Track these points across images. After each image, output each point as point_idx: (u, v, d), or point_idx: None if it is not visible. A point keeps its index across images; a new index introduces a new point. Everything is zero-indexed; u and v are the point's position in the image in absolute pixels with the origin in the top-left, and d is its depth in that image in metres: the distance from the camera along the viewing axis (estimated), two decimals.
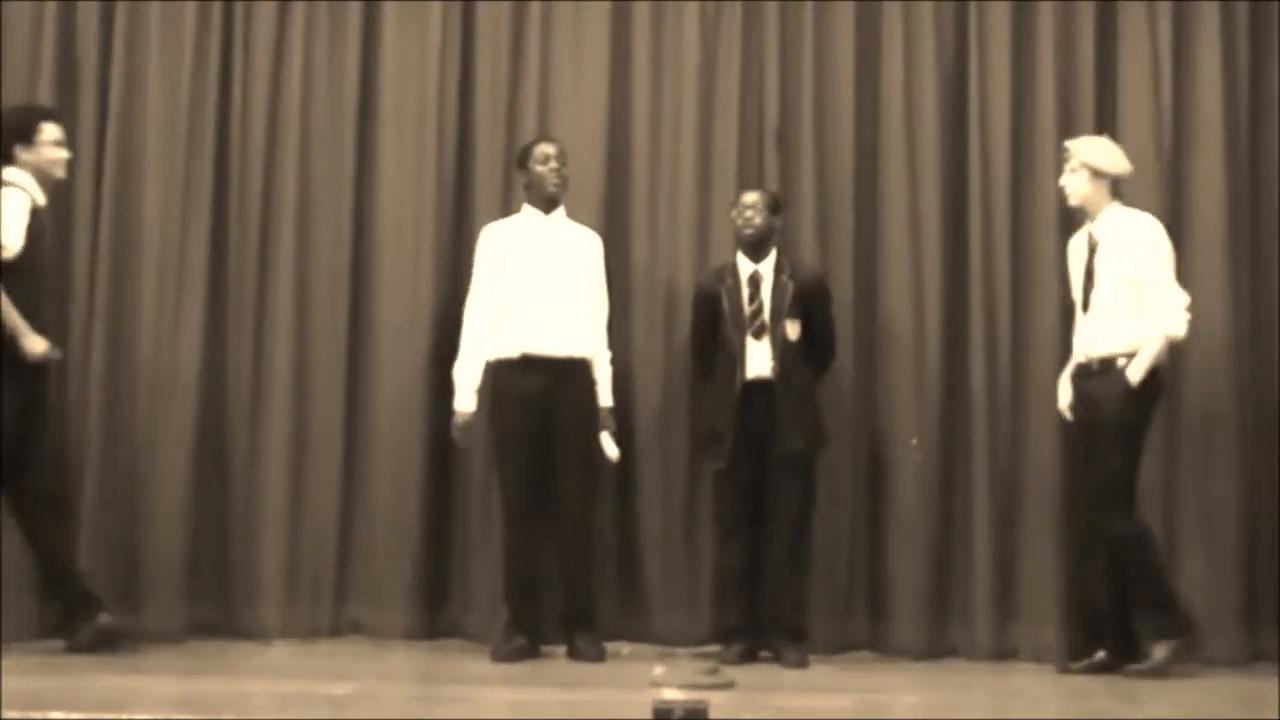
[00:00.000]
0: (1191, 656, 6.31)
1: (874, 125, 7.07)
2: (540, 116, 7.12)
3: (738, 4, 7.14)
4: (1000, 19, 7.01)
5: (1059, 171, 6.87)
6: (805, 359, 6.56)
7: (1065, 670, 6.37)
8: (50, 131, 6.41)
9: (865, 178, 7.04)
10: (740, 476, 6.52)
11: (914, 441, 6.79)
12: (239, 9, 7.16)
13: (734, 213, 6.63)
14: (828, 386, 6.75)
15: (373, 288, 7.07)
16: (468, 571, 6.93)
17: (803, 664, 6.40)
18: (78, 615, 6.31)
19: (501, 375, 6.55)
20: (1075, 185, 6.42)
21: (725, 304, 6.56)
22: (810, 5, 7.11)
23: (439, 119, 7.07)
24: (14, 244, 6.18)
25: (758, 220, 6.56)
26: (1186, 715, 5.47)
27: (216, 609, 6.85)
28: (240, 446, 6.94)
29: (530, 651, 6.49)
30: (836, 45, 7.09)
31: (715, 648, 6.54)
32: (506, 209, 7.00)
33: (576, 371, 6.57)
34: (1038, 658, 6.63)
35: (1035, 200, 6.91)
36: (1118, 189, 6.45)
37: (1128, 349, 6.27)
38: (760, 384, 6.48)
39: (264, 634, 6.81)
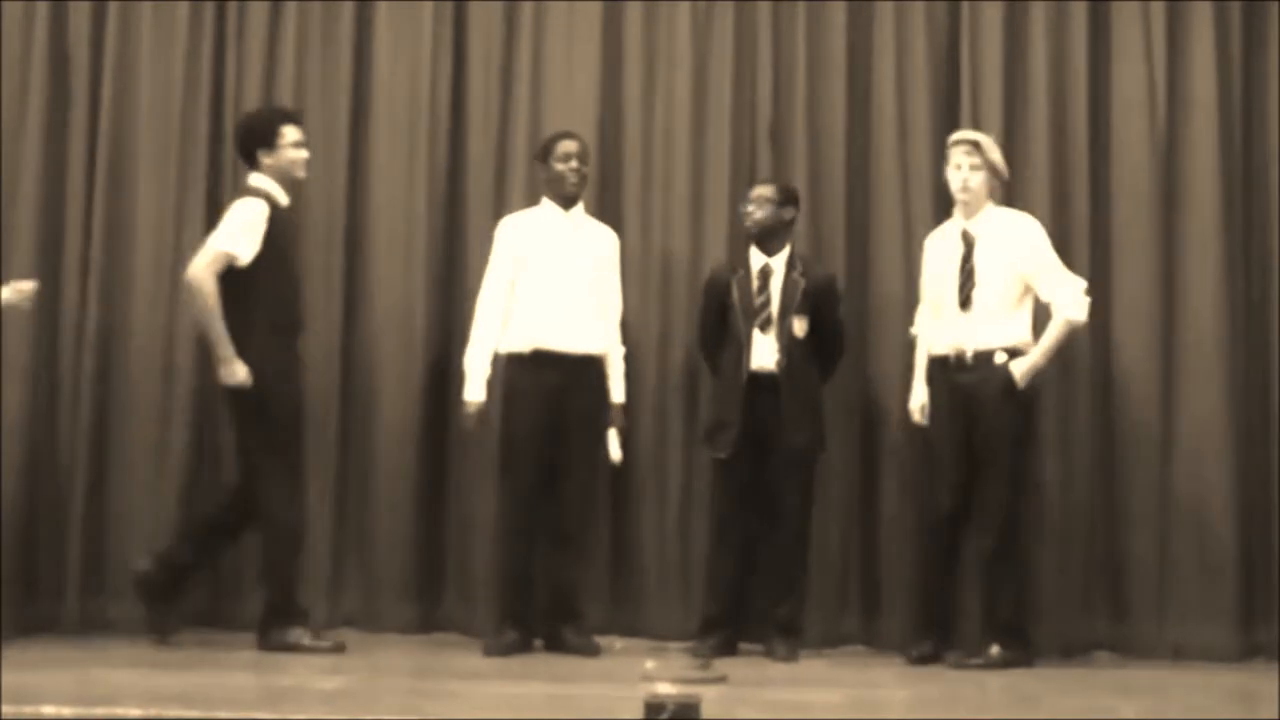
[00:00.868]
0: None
1: (866, 122, 7.08)
2: (532, 116, 7.13)
3: (729, 3, 7.14)
4: (992, 15, 7.02)
5: (1052, 169, 6.91)
6: (811, 357, 6.57)
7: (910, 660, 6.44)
8: (290, 134, 6.47)
9: (858, 174, 7.06)
10: (740, 470, 6.53)
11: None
12: (231, 8, 7.17)
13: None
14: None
15: (366, 285, 7.07)
16: (462, 565, 6.93)
17: (792, 658, 6.42)
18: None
19: (513, 370, 6.57)
20: (975, 182, 6.48)
21: (735, 294, 6.57)
22: (802, 4, 7.12)
23: (431, 118, 7.09)
24: (245, 253, 6.28)
25: (758, 214, 6.58)
26: (1181, 712, 5.46)
27: (209, 602, 6.84)
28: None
29: (523, 646, 6.49)
30: (829, 43, 7.10)
31: (690, 642, 6.54)
32: (498, 207, 7.03)
33: (588, 368, 6.60)
34: (1033, 653, 6.61)
35: (1027, 196, 6.90)
36: (994, 188, 6.58)
37: (1007, 344, 6.38)
38: (765, 377, 6.49)
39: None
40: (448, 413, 6.87)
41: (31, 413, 6.90)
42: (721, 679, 5.73)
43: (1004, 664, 6.30)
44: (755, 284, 6.58)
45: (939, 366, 6.50)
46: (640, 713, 4.66)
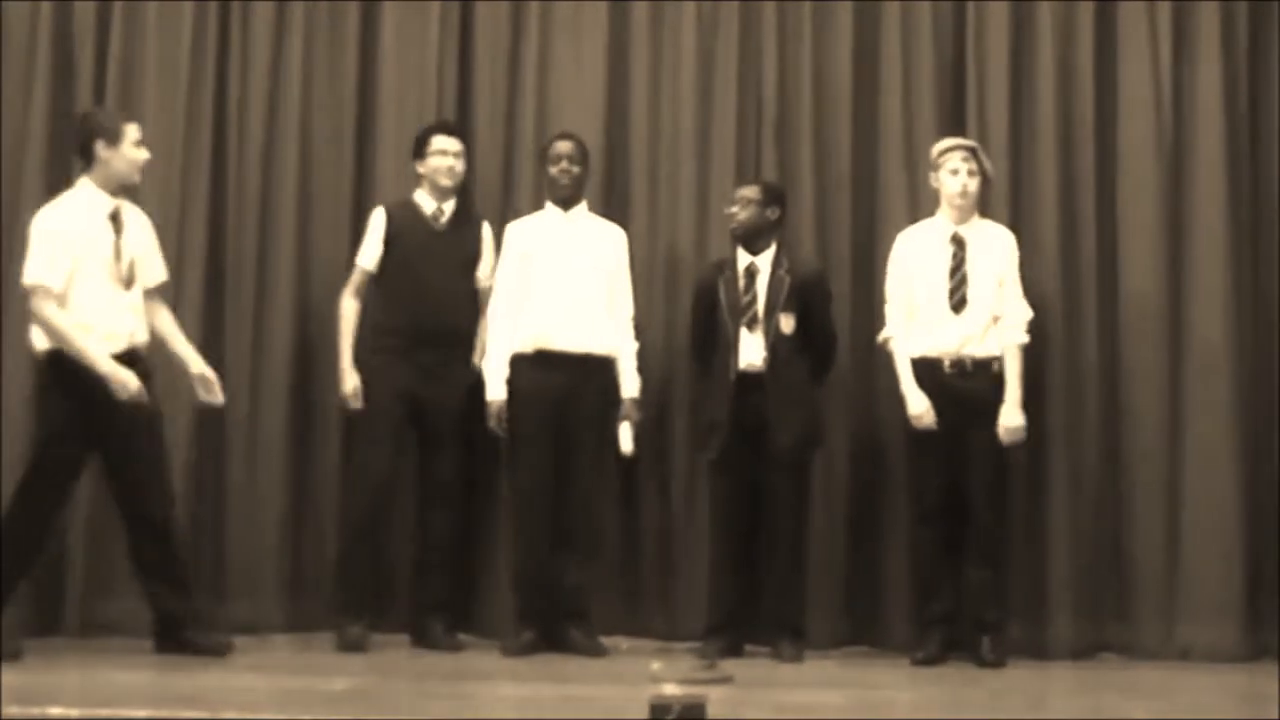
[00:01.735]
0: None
1: (872, 122, 7.07)
2: (538, 116, 7.13)
3: (735, 3, 7.14)
4: (999, 16, 7.01)
5: (1059, 169, 6.90)
6: (801, 355, 6.57)
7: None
8: (437, 142, 6.72)
9: (863, 173, 7.05)
10: (733, 471, 6.54)
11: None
12: (236, 9, 7.17)
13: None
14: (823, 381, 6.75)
15: (373, 287, 7.05)
16: (472, 566, 6.91)
17: (798, 659, 6.43)
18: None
19: (518, 370, 6.60)
20: (974, 186, 6.55)
21: (722, 294, 6.58)
22: (808, 5, 7.11)
23: (438, 116, 7.06)
24: (364, 261, 6.73)
25: (741, 215, 6.60)
26: (1190, 713, 5.46)
27: (215, 603, 6.82)
28: (238, 441, 6.93)
29: (540, 646, 6.51)
30: (834, 42, 7.09)
31: (697, 644, 6.53)
32: (505, 207, 7.05)
33: (593, 368, 6.61)
34: (1039, 655, 6.62)
35: (1034, 196, 6.90)
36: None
37: (998, 352, 6.49)
38: (753, 376, 6.49)
39: (263, 628, 6.81)
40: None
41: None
42: (727, 680, 5.72)
43: (998, 662, 6.32)
44: (741, 283, 6.59)
45: (929, 369, 6.50)
46: (646, 713, 4.65)
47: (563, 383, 6.54)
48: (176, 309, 6.78)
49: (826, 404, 6.75)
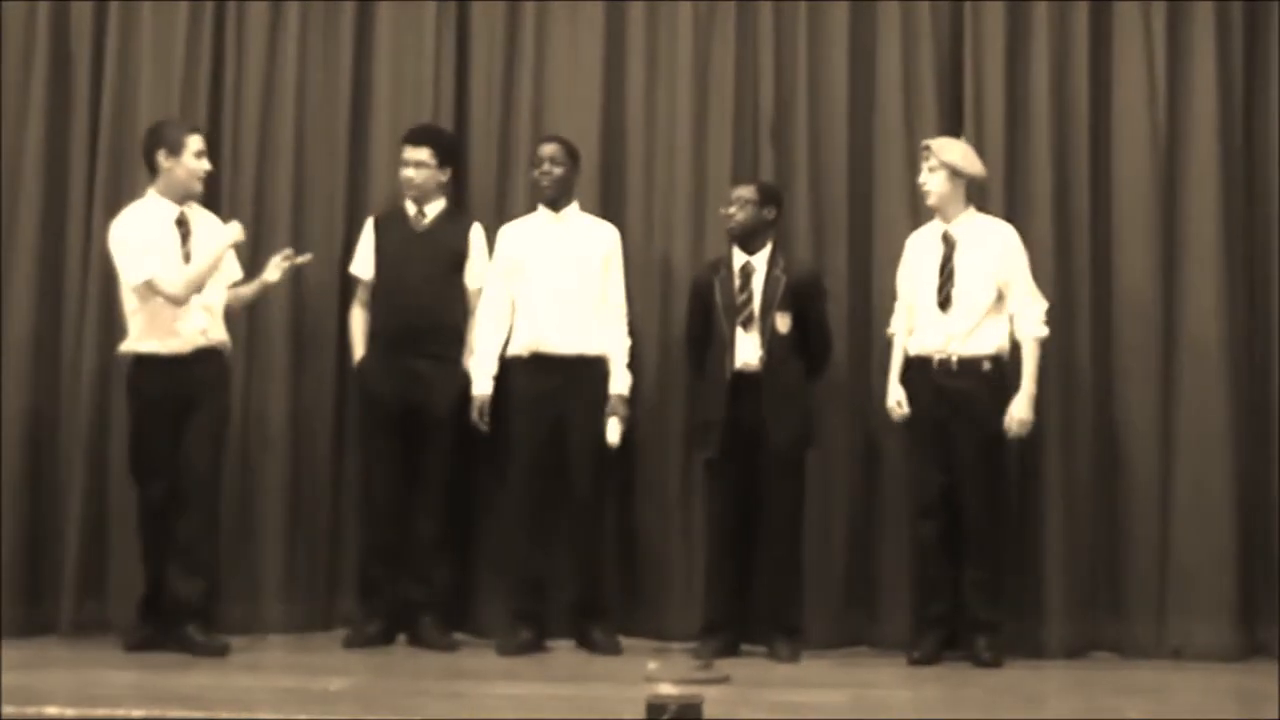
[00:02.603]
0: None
1: (869, 122, 7.06)
2: (535, 115, 7.12)
3: (732, 2, 7.13)
4: (995, 16, 7.00)
5: (1054, 167, 6.91)
6: (796, 354, 6.57)
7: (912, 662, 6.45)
8: (404, 152, 6.81)
9: (860, 174, 7.04)
10: (729, 469, 6.54)
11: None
12: (231, 9, 7.16)
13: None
14: (820, 380, 6.75)
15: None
16: (465, 565, 6.90)
17: (794, 658, 6.43)
18: None
19: (513, 373, 6.63)
20: (934, 184, 6.55)
21: (718, 294, 6.59)
22: (804, 4, 7.11)
23: (434, 118, 7.05)
24: (361, 272, 6.84)
25: (739, 215, 6.60)
26: (1185, 712, 5.47)
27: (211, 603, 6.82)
28: (234, 441, 6.91)
29: (536, 645, 6.53)
30: (831, 43, 7.08)
31: (694, 644, 6.52)
32: (500, 207, 7.06)
33: (588, 369, 6.64)
34: (1034, 653, 6.61)
35: (1030, 196, 6.90)
36: (972, 192, 6.61)
37: (990, 351, 6.46)
38: (748, 375, 6.50)
39: (260, 628, 6.80)
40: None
41: (31, 415, 6.90)
42: (724, 679, 5.74)
43: (994, 661, 6.32)
44: (737, 283, 6.60)
45: (920, 366, 6.52)
46: (643, 713, 4.66)
47: (558, 385, 6.58)
48: None
49: (823, 404, 6.76)
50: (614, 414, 6.64)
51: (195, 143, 6.49)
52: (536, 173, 6.73)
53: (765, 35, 7.10)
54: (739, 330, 6.54)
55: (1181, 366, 6.83)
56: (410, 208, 6.82)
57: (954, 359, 6.45)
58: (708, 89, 7.11)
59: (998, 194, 6.87)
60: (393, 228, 6.82)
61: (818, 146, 7.04)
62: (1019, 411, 6.43)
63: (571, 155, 6.78)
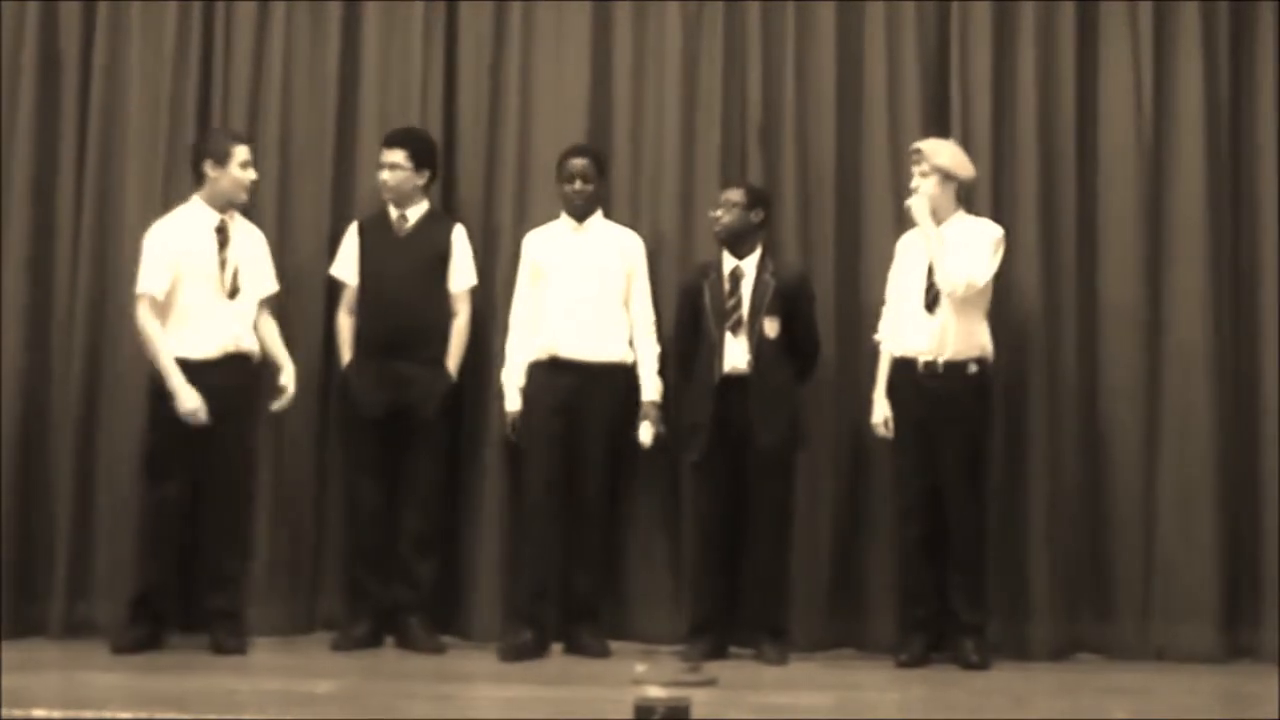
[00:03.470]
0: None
1: (856, 122, 7.06)
2: (522, 116, 7.11)
3: (719, 3, 7.13)
4: (982, 17, 7.00)
5: (1040, 169, 6.91)
6: (785, 357, 6.58)
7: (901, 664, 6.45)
8: (382, 155, 6.82)
9: (847, 175, 7.04)
10: (716, 472, 6.54)
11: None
12: (220, 8, 7.14)
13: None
14: (807, 383, 6.76)
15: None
16: (453, 568, 6.91)
17: (782, 661, 6.44)
18: None
19: (532, 377, 6.68)
20: (926, 188, 6.53)
21: (707, 298, 6.60)
22: (791, 5, 7.10)
23: (421, 119, 7.05)
24: (345, 276, 6.87)
25: (726, 219, 6.61)
26: (1171, 713, 5.49)
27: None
28: None
29: (539, 649, 6.52)
30: (818, 44, 7.07)
31: (681, 646, 6.53)
32: (488, 208, 7.07)
33: (606, 376, 6.66)
34: (1019, 654, 6.63)
35: (1015, 197, 6.91)
36: (963, 196, 6.61)
37: (975, 355, 6.46)
38: (737, 379, 6.51)
39: (246, 630, 6.78)
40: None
41: (20, 416, 6.89)
42: (711, 682, 5.75)
43: (981, 663, 6.33)
44: (726, 286, 6.61)
45: (905, 368, 6.52)
46: (630, 715, 4.66)
47: (573, 390, 6.61)
48: None
49: (811, 406, 6.76)
50: (646, 418, 6.67)
51: (242, 153, 6.59)
52: (568, 189, 6.74)
53: (753, 36, 7.09)
54: (727, 334, 6.54)
55: (1166, 368, 6.84)
56: (392, 212, 6.83)
57: (939, 362, 6.45)
58: (695, 90, 7.11)
59: (984, 196, 6.86)
60: (376, 233, 6.83)
61: (805, 147, 7.03)
62: (919, 206, 6.44)
63: (600, 168, 6.81)
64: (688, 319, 6.67)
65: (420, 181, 6.84)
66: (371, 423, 6.70)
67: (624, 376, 6.72)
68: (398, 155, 6.80)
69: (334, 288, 6.94)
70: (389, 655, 6.57)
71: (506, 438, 6.74)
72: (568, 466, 6.61)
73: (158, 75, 7.07)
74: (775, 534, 6.55)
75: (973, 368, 6.45)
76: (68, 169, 7.06)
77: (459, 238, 6.86)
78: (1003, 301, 6.71)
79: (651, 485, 6.91)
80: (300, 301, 6.99)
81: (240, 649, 6.42)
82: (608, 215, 6.95)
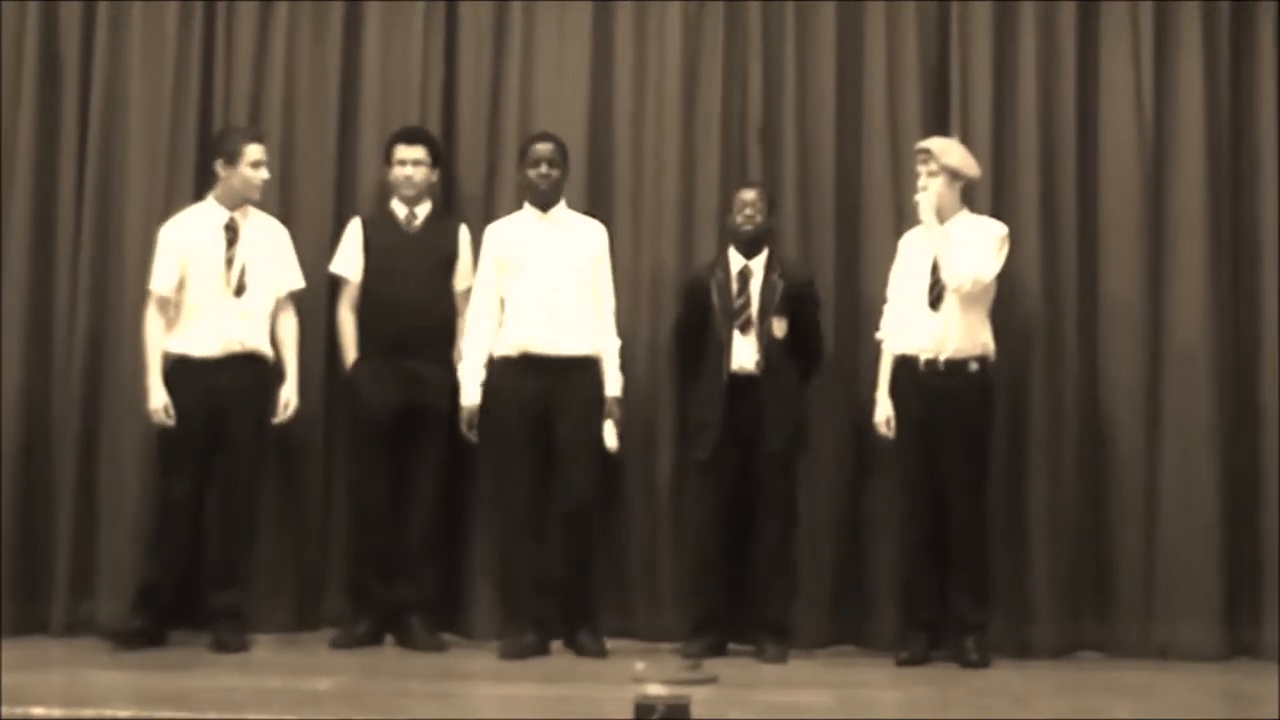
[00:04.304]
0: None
1: (856, 123, 7.07)
2: (523, 115, 7.11)
3: (720, 3, 7.13)
4: (982, 18, 7.01)
5: (1041, 169, 6.92)
6: (790, 357, 6.59)
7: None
8: (398, 151, 6.83)
9: (848, 175, 7.04)
10: (722, 471, 6.54)
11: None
12: (221, 9, 7.14)
13: (734, 209, 6.66)
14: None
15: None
16: (454, 566, 6.90)
17: (782, 659, 6.44)
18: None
19: (501, 373, 6.60)
20: (934, 188, 6.53)
21: (714, 297, 6.60)
22: (792, 5, 7.11)
23: (422, 118, 7.06)
24: (348, 272, 6.84)
25: (759, 219, 6.61)
26: (1173, 712, 5.48)
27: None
28: None
29: (541, 648, 6.50)
30: (819, 44, 7.08)
31: (682, 644, 6.53)
32: (489, 207, 7.04)
33: (577, 369, 6.60)
34: (1021, 653, 6.63)
35: (1016, 197, 6.91)
36: (968, 194, 6.62)
37: (976, 353, 6.46)
38: (745, 378, 6.52)
39: (246, 628, 6.77)
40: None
41: (22, 415, 6.89)
42: (712, 680, 5.75)
43: (982, 662, 6.33)
44: (735, 286, 6.61)
45: (907, 366, 6.53)
46: (631, 713, 4.67)
47: (547, 385, 6.54)
48: None
49: (814, 405, 6.76)
50: (610, 416, 6.64)
51: (253, 152, 6.61)
52: (533, 173, 6.68)
53: (753, 36, 7.10)
54: (736, 334, 6.54)
55: (1167, 368, 6.85)
56: (400, 210, 6.82)
57: (941, 359, 6.45)
58: (696, 90, 7.11)
59: (984, 195, 6.86)
60: (382, 230, 6.81)
61: (805, 147, 7.04)
62: (925, 202, 6.47)
63: (564, 154, 6.76)
64: (693, 317, 6.67)
65: (434, 179, 6.85)
66: (377, 422, 6.69)
67: (596, 370, 6.66)
68: (419, 151, 6.80)
69: (336, 285, 6.92)
70: (390, 654, 6.56)
71: (465, 435, 6.67)
72: (549, 466, 6.56)
73: (159, 75, 7.06)
74: (779, 532, 6.55)
75: (974, 366, 6.45)
76: (69, 169, 7.05)
77: (465, 237, 6.86)
78: (1004, 301, 6.71)
79: (651, 483, 6.90)
80: (304, 300, 6.99)
81: (242, 647, 6.43)
82: (610, 213, 6.96)
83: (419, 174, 6.79)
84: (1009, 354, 6.70)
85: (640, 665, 5.83)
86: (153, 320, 6.52)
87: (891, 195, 6.96)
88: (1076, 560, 6.80)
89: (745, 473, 6.54)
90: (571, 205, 6.84)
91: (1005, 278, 6.64)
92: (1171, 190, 6.93)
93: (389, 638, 6.70)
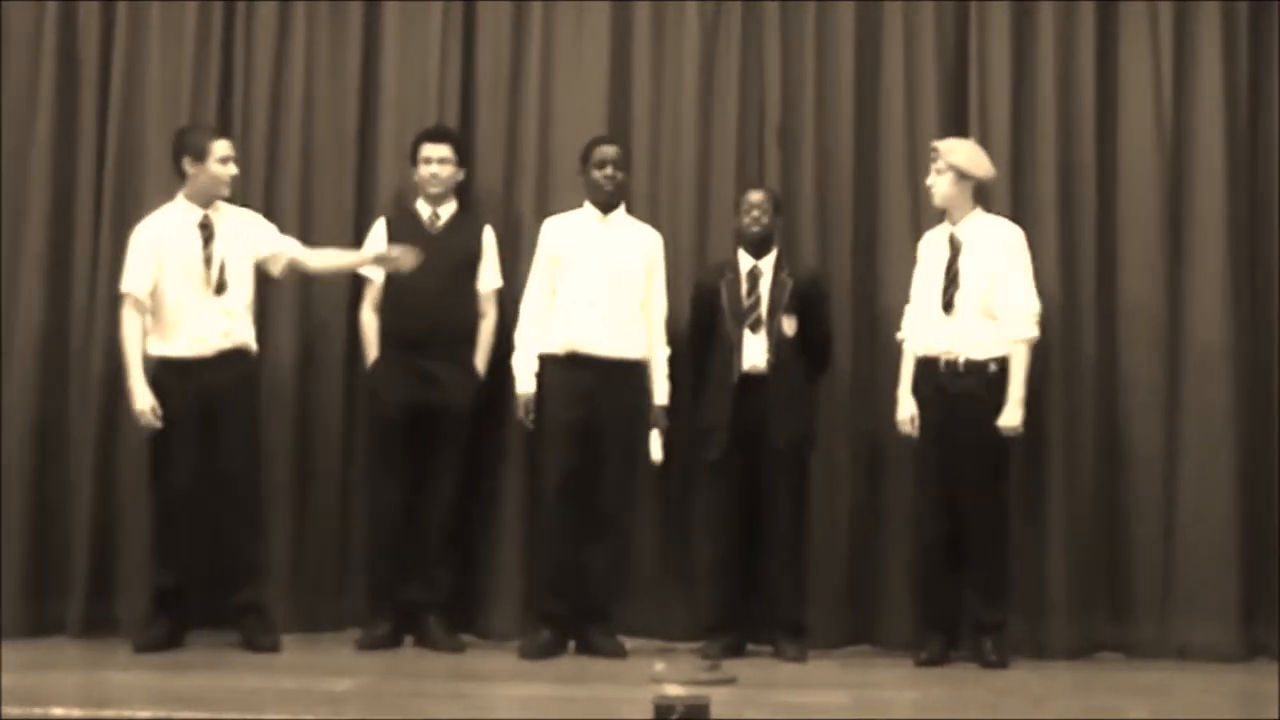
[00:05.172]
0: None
1: (874, 123, 7.07)
2: (541, 116, 7.12)
3: (738, 3, 7.13)
4: (1001, 17, 7.00)
5: (1059, 169, 6.91)
6: (799, 356, 6.60)
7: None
8: (425, 150, 6.80)
9: (865, 175, 7.05)
10: (732, 470, 6.56)
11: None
12: (240, 9, 7.16)
13: (741, 211, 6.67)
14: (824, 382, 6.77)
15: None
16: (474, 567, 6.92)
17: (801, 658, 6.45)
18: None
19: (549, 371, 6.62)
20: (941, 186, 6.54)
21: (725, 297, 6.61)
22: (811, 4, 7.11)
23: (440, 117, 7.06)
24: (363, 269, 6.78)
25: (765, 220, 6.63)
26: (1189, 713, 5.48)
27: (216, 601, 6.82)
28: None
29: (559, 648, 6.52)
30: (837, 43, 7.08)
31: (699, 644, 6.55)
32: (507, 205, 7.07)
33: (624, 372, 6.62)
34: (1038, 653, 6.63)
35: (1034, 198, 6.91)
36: (981, 194, 6.61)
37: (997, 354, 6.45)
38: (755, 378, 6.53)
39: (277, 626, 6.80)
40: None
41: (40, 414, 6.92)
42: (730, 680, 5.75)
43: (1000, 662, 6.34)
44: (744, 286, 6.62)
45: (927, 368, 6.53)
46: (649, 714, 4.67)
47: (593, 386, 6.56)
48: None
49: (828, 404, 6.77)
50: (656, 425, 6.65)
51: (221, 148, 6.56)
52: (599, 175, 6.67)
53: (771, 37, 7.10)
54: (746, 333, 6.55)
55: (1186, 368, 6.85)
56: (424, 209, 6.82)
57: (960, 360, 6.45)
58: (713, 90, 7.11)
59: (1003, 196, 6.86)
60: (406, 230, 6.79)
61: (823, 147, 7.04)
62: (1009, 420, 6.42)
63: (628, 157, 6.80)
64: (704, 318, 6.68)
65: (460, 177, 6.86)
66: (397, 422, 6.69)
67: (642, 374, 6.69)
68: (445, 150, 6.80)
69: (356, 284, 6.93)
70: (408, 654, 6.57)
71: (522, 426, 6.67)
72: (585, 464, 6.57)
73: (178, 75, 7.08)
74: (792, 531, 6.57)
75: (994, 367, 6.45)
76: (87, 170, 7.07)
77: (489, 238, 6.86)
78: None
79: (666, 482, 6.90)
80: (323, 297, 7.01)
81: (274, 646, 6.42)
82: (628, 212, 6.96)
83: (445, 172, 6.79)
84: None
85: (659, 666, 5.84)
86: (130, 322, 6.45)
87: (909, 196, 6.95)
88: (1094, 560, 6.80)
89: (755, 471, 6.55)
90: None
91: None
92: (1190, 191, 6.92)
93: (408, 638, 6.71)
